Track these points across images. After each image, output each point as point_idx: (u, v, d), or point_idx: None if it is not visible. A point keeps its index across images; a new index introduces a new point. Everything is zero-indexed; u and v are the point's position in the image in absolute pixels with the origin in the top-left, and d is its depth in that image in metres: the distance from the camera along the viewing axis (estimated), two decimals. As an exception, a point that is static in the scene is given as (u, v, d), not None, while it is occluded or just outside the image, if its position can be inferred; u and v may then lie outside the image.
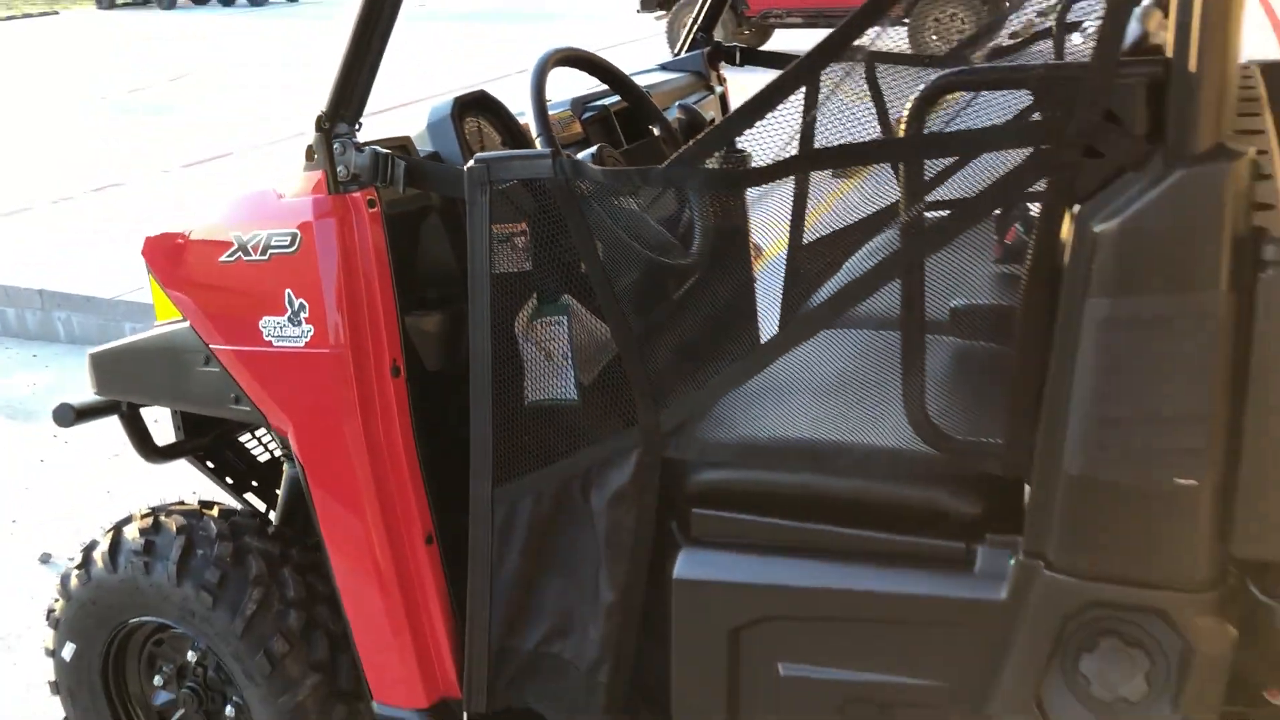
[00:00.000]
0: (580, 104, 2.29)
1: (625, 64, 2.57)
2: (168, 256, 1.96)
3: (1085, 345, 1.35)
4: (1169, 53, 1.27)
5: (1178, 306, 1.29)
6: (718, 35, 2.97)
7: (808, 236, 1.82)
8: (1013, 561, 1.49)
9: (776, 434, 1.70)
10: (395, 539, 1.87)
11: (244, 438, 2.61)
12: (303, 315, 1.79)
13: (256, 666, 2.05)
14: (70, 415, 2.25)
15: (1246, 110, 2.05)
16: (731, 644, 1.70)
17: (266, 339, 1.84)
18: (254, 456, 2.62)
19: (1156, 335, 1.31)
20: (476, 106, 1.99)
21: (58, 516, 3.76)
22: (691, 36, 2.94)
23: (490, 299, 1.71)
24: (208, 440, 2.51)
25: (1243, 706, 1.91)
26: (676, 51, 2.97)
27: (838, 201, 1.70)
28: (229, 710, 2.22)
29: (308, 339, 1.80)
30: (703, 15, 2.92)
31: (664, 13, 13.65)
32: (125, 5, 27.03)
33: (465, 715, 1.97)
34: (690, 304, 1.75)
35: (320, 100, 1.73)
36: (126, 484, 3.90)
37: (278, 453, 2.61)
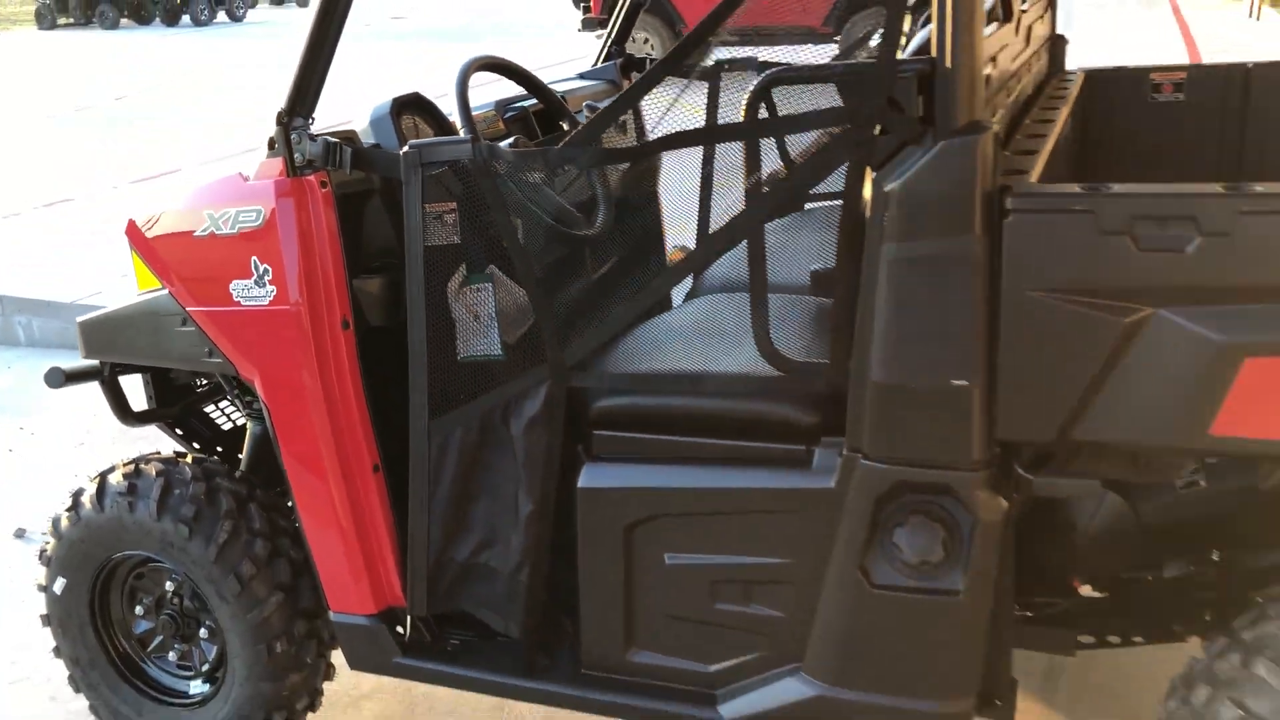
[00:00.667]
0: (503, 106, 2.67)
1: (565, 73, 2.98)
2: (149, 235, 2.31)
3: (882, 281, 1.74)
4: (934, 54, 1.67)
5: (946, 247, 1.69)
6: (656, 52, 3.37)
7: (678, 209, 2.22)
8: (839, 456, 1.88)
9: (659, 367, 2.08)
10: (346, 468, 2.23)
11: (209, 408, 2.96)
12: (267, 278, 2.14)
13: (228, 587, 2.39)
14: (60, 377, 2.58)
15: (1050, 104, 2.48)
16: (626, 539, 2.08)
17: (236, 300, 2.19)
18: (218, 425, 2.96)
19: (932, 270, 1.71)
20: (412, 106, 2.36)
21: (28, 495, 4.04)
22: (606, 50, 3.33)
23: (424, 266, 2.08)
24: (176, 409, 2.85)
25: (1056, 597, 2.33)
26: (594, 64, 3.35)
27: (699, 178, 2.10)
28: (202, 632, 2.56)
29: (271, 298, 2.15)
30: (615, 32, 3.31)
31: (603, 31, 14.44)
32: (67, 26, 27.10)
33: (409, 619, 2.33)
34: (587, 262, 2.13)
35: (275, 103, 2.09)
36: (92, 469, 4.18)
37: (238, 420, 2.95)
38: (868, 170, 1.75)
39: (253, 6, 30.26)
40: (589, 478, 2.08)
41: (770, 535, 1.98)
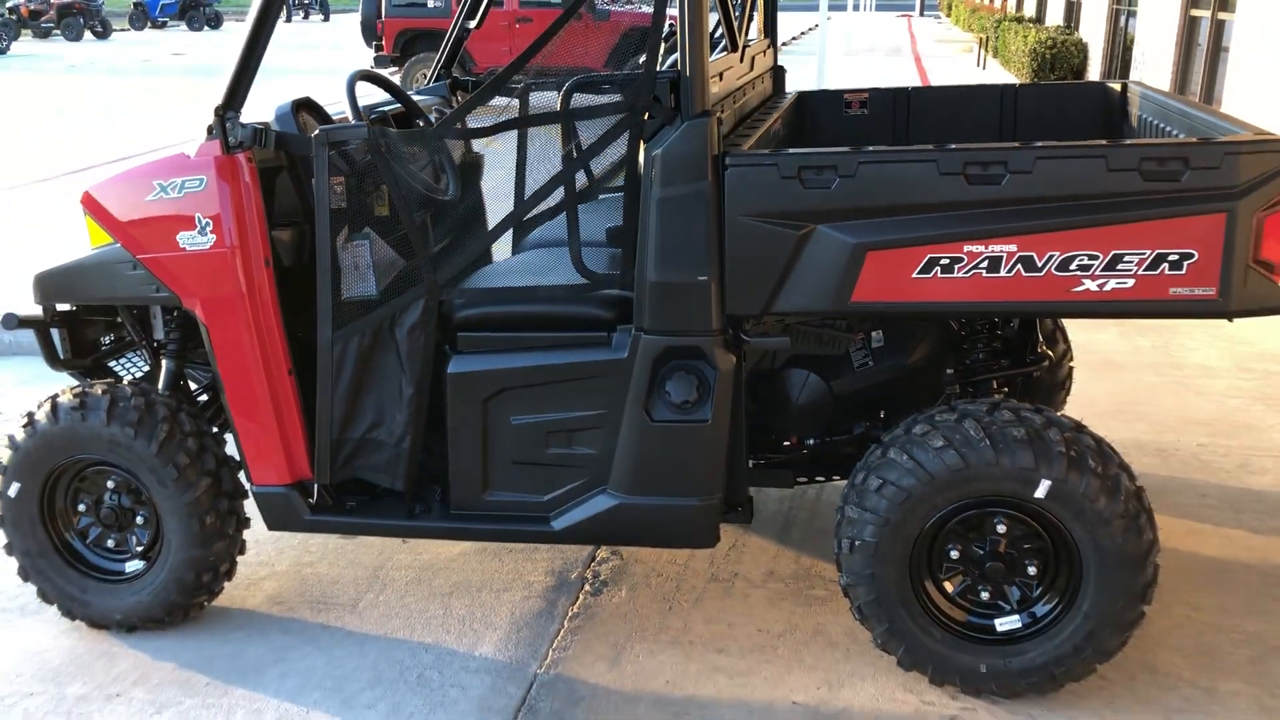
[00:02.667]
0: (369, 109, 3.49)
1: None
2: (103, 202, 3.01)
3: (651, 214, 2.69)
4: (679, 68, 2.64)
5: (690, 190, 2.65)
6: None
7: (511, 177, 3.14)
8: (628, 336, 2.81)
9: (506, 283, 2.96)
10: (268, 371, 2.99)
11: (112, 363, 3.63)
12: (208, 229, 2.90)
13: (168, 475, 3.10)
14: (14, 321, 3.24)
15: (767, 112, 3.52)
16: (484, 409, 2.94)
17: (182, 247, 2.93)
18: (122, 378, 3.63)
19: (682, 205, 2.66)
20: (306, 106, 3.16)
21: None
22: (437, 72, 4.19)
23: (329, 223, 2.88)
24: (88, 361, 3.52)
25: (780, 452, 3.32)
26: (426, 83, 4.20)
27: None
28: (139, 520, 3.24)
29: (211, 244, 2.91)
30: (444, 58, 4.17)
31: (397, 69, 15.86)
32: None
33: (316, 487, 3.10)
34: (450, 212, 3.00)
35: (211, 99, 2.87)
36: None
37: (143, 370, 3.63)
38: (641, 143, 2.70)
39: (15, 38, 29.30)
40: (455, 366, 2.94)
41: (585, 395, 2.88)
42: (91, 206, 3.05)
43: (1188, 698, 2.87)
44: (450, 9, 16.42)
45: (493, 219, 2.97)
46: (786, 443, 3.31)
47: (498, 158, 3.26)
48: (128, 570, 3.29)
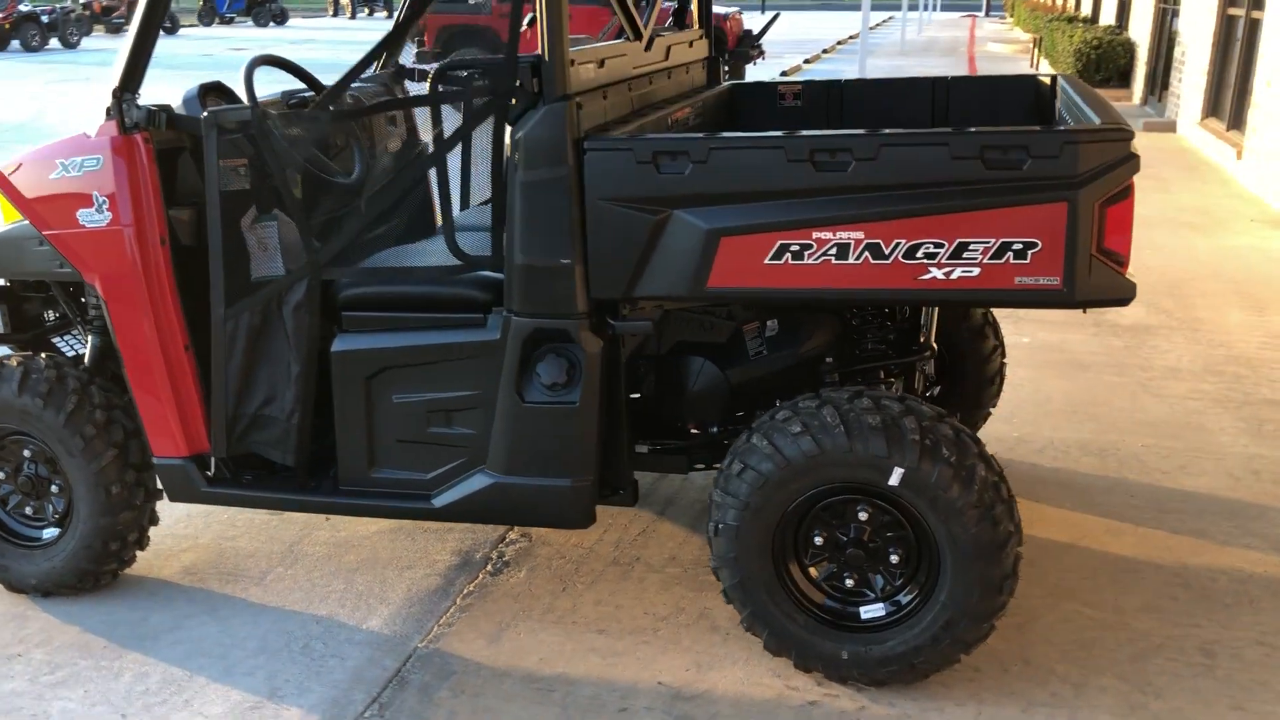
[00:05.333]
0: (289, 95, 3.58)
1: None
2: (13, 180, 3.14)
3: (516, 198, 2.73)
4: (540, 52, 2.68)
5: (551, 173, 2.69)
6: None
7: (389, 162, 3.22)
8: (501, 318, 2.86)
9: (385, 263, 3.03)
10: (165, 346, 3.09)
11: (58, 339, 3.76)
12: (105, 207, 3.01)
13: (75, 445, 3.21)
14: None
15: (688, 101, 3.55)
16: (366, 387, 3.01)
17: (82, 224, 3.04)
18: (65, 355, 3.77)
19: (544, 189, 2.70)
20: (215, 90, 3.26)
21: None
22: (384, 60, 4.27)
23: (220, 202, 2.96)
24: (28, 335, 3.66)
25: (677, 438, 3.35)
26: (375, 71, 4.29)
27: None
28: (54, 489, 3.36)
29: (108, 221, 3.02)
30: (386, 49, 4.25)
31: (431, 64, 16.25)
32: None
33: (213, 460, 3.20)
34: (333, 193, 3.08)
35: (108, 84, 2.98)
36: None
37: (81, 349, 3.76)
38: (508, 126, 2.75)
39: (88, 34, 30.13)
40: (339, 344, 3.01)
41: (462, 376, 2.94)
42: (3, 184, 3.17)
43: (1055, 692, 2.85)
44: (491, 6, 16.60)
45: (377, 200, 3.04)
46: (683, 430, 3.34)
47: (385, 141, 3.33)
48: (44, 537, 3.41)
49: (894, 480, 2.65)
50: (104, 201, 3.01)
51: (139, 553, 3.47)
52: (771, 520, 2.79)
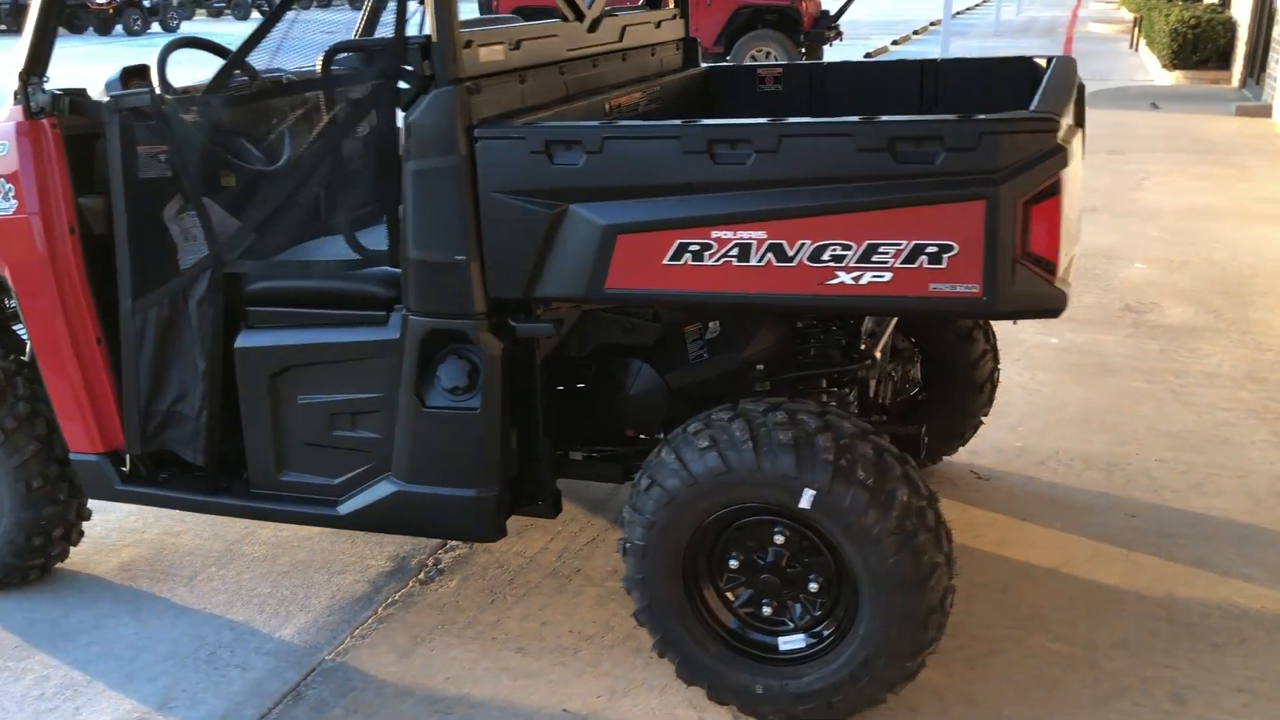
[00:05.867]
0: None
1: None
2: None
3: (408, 188, 2.55)
4: (428, 33, 2.48)
5: (442, 162, 2.49)
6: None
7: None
8: (400, 316, 2.68)
9: (288, 257, 2.87)
10: (75, 339, 2.99)
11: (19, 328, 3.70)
12: (10, 194, 2.91)
13: (-4, 440, 3.15)
14: None
15: (647, 86, 3.32)
16: (272, 386, 2.86)
17: (-12, 212, 2.96)
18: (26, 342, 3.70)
19: (435, 179, 2.51)
20: (138, 74, 3.14)
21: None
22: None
23: (124, 191, 2.83)
24: None
25: (614, 444, 3.14)
26: None
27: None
28: (-19, 484, 3.30)
29: (14, 210, 2.92)
30: (362, 30, 4.11)
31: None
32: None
33: (128, 457, 3.09)
34: (237, 183, 2.93)
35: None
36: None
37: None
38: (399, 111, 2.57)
39: (189, 18, 30.90)
40: (242, 340, 2.87)
41: (364, 376, 2.77)
42: (-83, 173, 3.10)
43: (993, 740, 2.58)
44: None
45: (274, 190, 2.87)
46: (621, 436, 3.13)
47: (291, 128, 3.16)
48: (-29, 533, 3.36)
49: (804, 503, 2.41)
50: (9, 188, 2.91)
51: (79, 547, 3.40)
52: (681, 540, 2.57)
